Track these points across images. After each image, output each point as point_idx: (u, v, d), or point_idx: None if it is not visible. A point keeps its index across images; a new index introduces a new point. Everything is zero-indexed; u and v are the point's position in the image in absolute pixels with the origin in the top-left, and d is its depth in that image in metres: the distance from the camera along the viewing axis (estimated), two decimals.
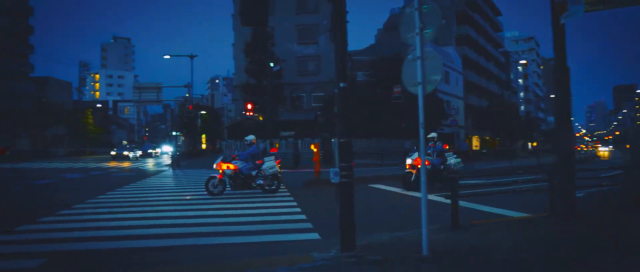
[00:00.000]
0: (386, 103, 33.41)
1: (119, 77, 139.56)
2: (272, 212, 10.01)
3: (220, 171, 12.77)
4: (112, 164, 34.33)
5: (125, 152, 43.04)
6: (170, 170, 26.81)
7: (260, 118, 37.81)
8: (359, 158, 25.30)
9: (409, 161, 13.67)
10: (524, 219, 8.51)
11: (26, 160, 42.55)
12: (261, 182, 12.83)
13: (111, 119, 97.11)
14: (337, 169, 6.09)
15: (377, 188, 14.53)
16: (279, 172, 13.29)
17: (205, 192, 12.73)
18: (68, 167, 29.30)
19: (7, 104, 58.58)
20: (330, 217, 9.32)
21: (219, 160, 13.11)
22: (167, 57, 44.37)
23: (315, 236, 7.64)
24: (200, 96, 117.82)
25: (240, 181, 12.80)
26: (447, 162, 14.31)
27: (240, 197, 12.60)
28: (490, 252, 5.82)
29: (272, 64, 27.34)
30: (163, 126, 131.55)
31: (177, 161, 30.35)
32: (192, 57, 43.05)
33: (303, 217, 9.40)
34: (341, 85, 6.17)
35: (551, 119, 71.18)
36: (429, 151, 13.75)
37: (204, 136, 57.31)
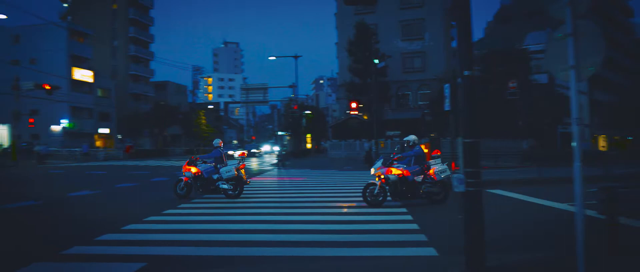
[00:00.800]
0: (500, 100, 30.97)
1: (230, 79, 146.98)
2: (380, 220, 9.06)
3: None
4: None
5: (230, 152, 44.46)
6: (276, 169, 26.95)
7: (365, 117, 37.02)
8: None
9: (373, 170, 11.32)
10: None
11: (147, 157, 45.87)
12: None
13: (222, 119, 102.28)
14: (461, 175, 5.02)
15: (496, 194, 12.96)
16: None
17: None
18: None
19: (132, 106, 63.97)
20: (447, 229, 8.19)
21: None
22: (273, 58, 45.41)
23: (430, 251, 6.57)
24: (305, 96, 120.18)
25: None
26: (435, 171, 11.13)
27: (338, 199, 11.85)
28: None
29: (376, 61, 26.34)
30: (271, 126, 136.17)
31: (282, 160, 30.56)
32: (296, 57, 43.48)
33: (415, 227, 8.34)
34: (466, 73, 5.07)
35: None
36: (394, 157, 11.38)
37: (309, 135, 57.89)
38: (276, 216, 9.71)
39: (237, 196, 12.43)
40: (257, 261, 6.26)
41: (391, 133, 39.55)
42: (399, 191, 10.80)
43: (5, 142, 42.97)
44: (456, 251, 5.64)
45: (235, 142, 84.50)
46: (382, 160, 11.39)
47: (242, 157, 14.38)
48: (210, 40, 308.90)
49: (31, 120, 37.32)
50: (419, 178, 10.89)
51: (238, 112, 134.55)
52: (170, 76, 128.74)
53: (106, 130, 60.05)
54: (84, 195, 14.03)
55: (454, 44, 49.09)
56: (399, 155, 11.43)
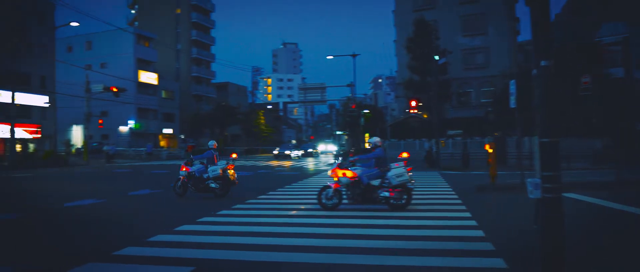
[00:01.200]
0: (570, 96, 29.00)
1: (289, 80, 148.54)
2: (443, 225, 8.42)
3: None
4: (275, 163, 35.66)
5: (287, 152, 44.54)
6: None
7: (425, 116, 35.97)
8: None
9: (330, 172, 10.63)
10: None
11: None
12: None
13: (281, 119, 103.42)
14: (537, 180, 4.39)
15: (572, 198, 11.90)
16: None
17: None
18: (240, 165, 31.08)
19: (194, 107, 65.89)
20: (516, 237, 7.45)
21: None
22: (330, 57, 45.13)
23: (499, 263, 5.91)
24: (363, 96, 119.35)
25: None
26: (388, 175, 10.16)
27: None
28: None
29: (437, 57, 25.39)
30: (329, 126, 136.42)
31: (340, 160, 30.15)
32: (354, 56, 43.06)
33: (480, 233, 7.65)
34: (543, 63, 4.43)
35: None
36: (351, 159, 10.76)
37: (367, 135, 57.11)
38: (329, 218, 9.29)
39: (224, 196, 12.69)
40: (309, 269, 5.88)
41: (452, 132, 38.19)
42: (353, 194, 10.26)
43: (79, 142, 45.39)
44: (527, 262, 4.99)
45: (293, 142, 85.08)
46: (339, 161, 10.94)
47: (232, 159, 14.24)
48: (270, 41, 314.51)
49: (100, 121, 39.10)
50: (377, 182, 10.14)
51: (297, 112, 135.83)
52: (230, 77, 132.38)
53: (170, 131, 62.17)
54: (143, 194, 14.27)
55: (519, 38, 46.82)
56: (357, 157, 11.02)
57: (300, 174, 23.17)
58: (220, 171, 12.65)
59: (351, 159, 10.89)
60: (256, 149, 68.16)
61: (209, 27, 75.89)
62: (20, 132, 36.94)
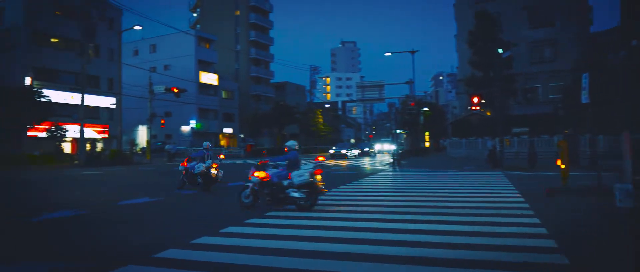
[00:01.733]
0: None
1: (347, 78, 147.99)
2: (507, 233, 7.57)
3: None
4: (331, 162, 35.23)
5: (343, 151, 43.90)
6: (390, 169, 25.82)
7: (488, 113, 34.34)
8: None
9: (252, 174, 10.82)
10: None
11: (266, 156, 47.23)
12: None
13: (340, 118, 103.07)
14: (627, 186, 3.62)
15: None
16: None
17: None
18: None
19: (253, 107, 66.83)
20: (595, 249, 6.54)
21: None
22: (388, 54, 44.12)
23: None
24: (423, 93, 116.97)
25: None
26: (292, 175, 10.33)
27: (456, 206, 10.45)
28: None
29: (500, 50, 24.00)
30: (388, 124, 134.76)
31: (398, 159, 29.33)
32: (413, 52, 41.87)
33: (552, 244, 6.77)
34: (634, 43, 3.65)
35: None
36: (266, 160, 11.09)
37: (427, 133, 55.67)
38: (382, 222, 8.68)
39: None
40: None
41: (518, 130, 36.22)
42: (265, 194, 10.55)
43: (144, 141, 47.11)
44: None
45: (352, 141, 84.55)
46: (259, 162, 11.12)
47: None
48: (328, 40, 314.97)
49: (162, 121, 40.34)
50: (286, 182, 10.37)
51: (356, 110, 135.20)
52: (289, 77, 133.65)
53: (230, 130, 63.40)
54: (193, 193, 14.24)
55: (592, 28, 43.82)
56: (271, 158, 11.56)
57: (356, 173, 22.60)
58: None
59: (265, 159, 11.29)
60: (315, 148, 68.14)
61: (268, 27, 76.76)
62: (90, 132, 38.78)
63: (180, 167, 15.29)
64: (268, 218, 9.43)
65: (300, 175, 10.23)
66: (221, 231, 8.12)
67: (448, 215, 9.35)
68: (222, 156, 18.64)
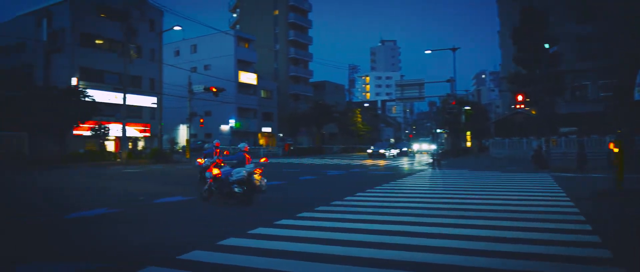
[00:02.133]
0: None
1: (387, 77, 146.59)
2: (556, 241, 6.94)
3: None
4: (369, 162, 34.70)
5: (382, 151, 43.24)
6: (430, 169, 25.09)
7: (533, 112, 33.01)
8: None
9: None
10: None
11: (304, 155, 47.22)
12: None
13: (379, 117, 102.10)
14: None
15: None
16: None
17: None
18: (334, 164, 30.58)
19: (292, 106, 66.95)
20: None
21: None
22: (428, 51, 43.25)
23: None
24: (465, 92, 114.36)
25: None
26: (232, 172, 11.37)
27: (498, 209, 9.82)
28: None
29: (547, 45, 22.89)
30: (429, 124, 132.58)
31: (438, 159, 28.52)
32: (454, 49, 40.84)
33: (607, 254, 6.12)
34: None
35: None
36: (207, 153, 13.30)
37: (468, 133, 54.17)
38: (416, 226, 8.20)
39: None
40: None
41: (565, 130, 34.68)
42: (215, 188, 11.61)
43: (184, 141, 47.91)
44: None
45: (392, 140, 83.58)
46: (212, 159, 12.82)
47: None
48: (367, 38, 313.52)
49: (201, 120, 40.83)
50: (231, 179, 11.24)
51: (395, 110, 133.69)
52: (328, 76, 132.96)
53: (268, 130, 63.71)
54: None
55: None
56: (225, 157, 13.06)
57: (394, 174, 22.05)
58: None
59: (216, 158, 12.86)
60: (353, 147, 67.67)
61: (307, 27, 76.76)
62: (132, 131, 39.67)
63: (201, 167, 14.31)
64: (299, 219, 9.13)
65: (237, 172, 11.18)
66: (249, 232, 7.86)
67: (490, 219, 8.77)
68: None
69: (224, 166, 12.20)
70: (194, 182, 15.58)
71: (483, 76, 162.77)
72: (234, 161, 11.91)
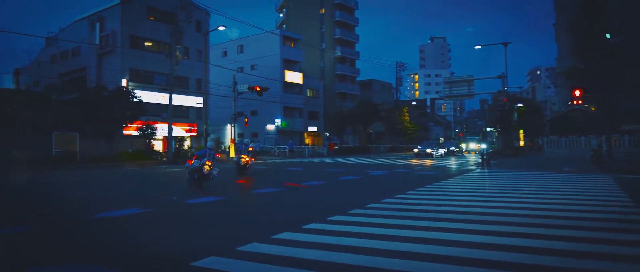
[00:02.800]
0: None
1: (436, 75, 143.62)
2: (619, 255, 6.04)
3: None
4: (415, 161, 33.63)
5: (429, 150, 41.96)
6: (478, 170, 23.87)
7: (592, 109, 30.93)
8: None
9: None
10: None
11: (349, 155, 46.57)
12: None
13: (428, 116, 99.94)
14: None
15: None
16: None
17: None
18: (378, 164, 29.77)
19: (338, 105, 66.40)
20: None
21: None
22: (478, 47, 41.56)
23: None
24: (518, 89, 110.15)
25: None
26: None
27: (552, 216, 8.84)
28: None
29: (608, 35, 21.22)
30: (480, 122, 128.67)
31: (487, 159, 27.21)
32: (505, 44, 39.04)
33: None
34: None
35: None
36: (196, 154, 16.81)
37: (521, 131, 51.80)
38: (445, 232, 7.42)
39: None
40: None
41: (630, 127, 32.29)
42: (195, 174, 15.76)
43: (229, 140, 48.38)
44: None
45: (441, 139, 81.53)
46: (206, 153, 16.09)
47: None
48: (416, 36, 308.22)
49: (246, 120, 40.98)
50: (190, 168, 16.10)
51: (445, 108, 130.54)
52: (375, 74, 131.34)
53: (314, 129, 63.43)
54: (264, 192, 13.70)
55: None
56: (197, 152, 16.83)
57: (439, 174, 21.04)
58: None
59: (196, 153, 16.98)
60: (401, 146, 66.39)
61: (353, 25, 75.96)
62: (178, 131, 40.35)
63: (191, 167, 16.15)
64: (351, 216, 9.02)
65: (194, 164, 15.66)
66: (303, 227, 7.99)
67: (542, 227, 7.86)
68: (247, 159, 21.32)
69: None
70: (231, 181, 15.39)
71: (538, 72, 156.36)
72: (202, 154, 16.04)
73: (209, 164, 15.53)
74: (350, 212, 9.67)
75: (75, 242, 7.42)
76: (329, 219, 8.87)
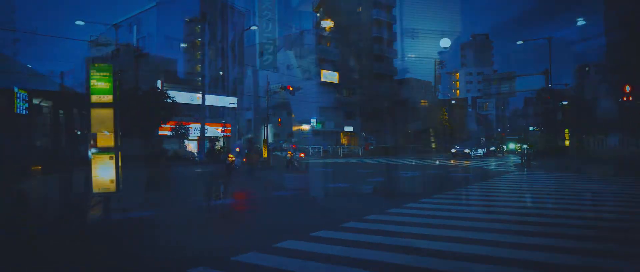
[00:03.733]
0: None
1: (478, 73, 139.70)
2: None
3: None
4: (452, 162, 32.41)
5: (466, 150, 40.48)
6: (517, 171, 22.58)
7: None
8: None
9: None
10: None
11: (383, 155, 45.62)
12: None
13: (469, 115, 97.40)
14: None
15: None
16: None
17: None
18: (413, 165, 28.83)
19: (378, 104, 65.45)
20: None
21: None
22: (520, 42, 39.72)
23: None
24: (564, 86, 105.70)
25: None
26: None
27: (598, 225, 7.87)
28: None
29: None
30: (525, 122, 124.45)
31: (528, 160, 25.83)
32: (549, 39, 37.11)
33: None
34: None
35: None
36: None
37: (567, 130, 49.32)
38: (480, 232, 6.62)
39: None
40: None
41: None
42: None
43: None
44: None
45: (483, 139, 79.22)
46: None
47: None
48: (455, 33, 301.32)
49: (279, 120, 40.74)
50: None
51: (487, 107, 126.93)
52: (413, 73, 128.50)
53: (350, 128, 62.63)
54: (284, 195, 13.20)
55: None
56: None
57: (475, 175, 19.99)
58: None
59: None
60: (439, 146, 64.77)
61: (390, 22, 74.67)
62: (212, 131, 40.52)
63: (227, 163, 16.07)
64: (389, 215, 9.06)
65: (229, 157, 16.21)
66: (342, 225, 8.04)
67: (587, 240, 6.96)
68: (231, 158, 22.91)
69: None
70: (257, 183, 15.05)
71: (587, 69, 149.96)
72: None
73: (232, 156, 17.24)
74: (342, 226, 8.97)
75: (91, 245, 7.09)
76: (343, 225, 8.23)
